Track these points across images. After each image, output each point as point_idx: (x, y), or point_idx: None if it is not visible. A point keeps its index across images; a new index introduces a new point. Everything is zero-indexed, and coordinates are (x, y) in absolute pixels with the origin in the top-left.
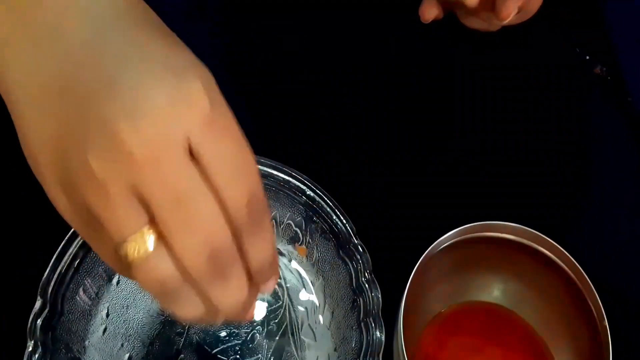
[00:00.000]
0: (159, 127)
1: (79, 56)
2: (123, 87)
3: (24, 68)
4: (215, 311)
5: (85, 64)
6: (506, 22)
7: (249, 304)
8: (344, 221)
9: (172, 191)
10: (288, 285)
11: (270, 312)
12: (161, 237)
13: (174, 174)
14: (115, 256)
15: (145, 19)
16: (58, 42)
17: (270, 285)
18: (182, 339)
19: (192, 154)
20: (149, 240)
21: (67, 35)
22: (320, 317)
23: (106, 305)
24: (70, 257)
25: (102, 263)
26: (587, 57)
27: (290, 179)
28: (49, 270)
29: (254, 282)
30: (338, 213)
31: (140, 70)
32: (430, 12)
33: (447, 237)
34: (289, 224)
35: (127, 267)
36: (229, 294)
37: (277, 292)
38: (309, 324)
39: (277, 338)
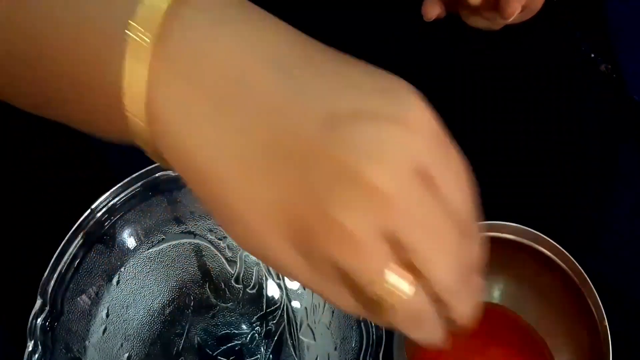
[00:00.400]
0: (396, 159)
1: (273, 105)
2: (347, 129)
3: (214, 139)
4: (459, 323)
5: (286, 113)
6: (510, 20)
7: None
8: None
9: (421, 220)
10: (287, 285)
11: (269, 313)
12: (412, 270)
13: (420, 204)
14: (359, 303)
15: (324, 50)
16: (246, 97)
17: (481, 283)
18: (182, 340)
19: (423, 173)
20: (405, 279)
21: (255, 86)
22: (320, 317)
23: (106, 305)
24: (70, 257)
25: (102, 263)
26: (592, 55)
27: None
28: (49, 270)
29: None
30: None
31: (355, 103)
32: (432, 10)
33: None
34: None
35: (378, 312)
36: (472, 297)
37: (276, 292)
38: (308, 324)
39: (277, 338)
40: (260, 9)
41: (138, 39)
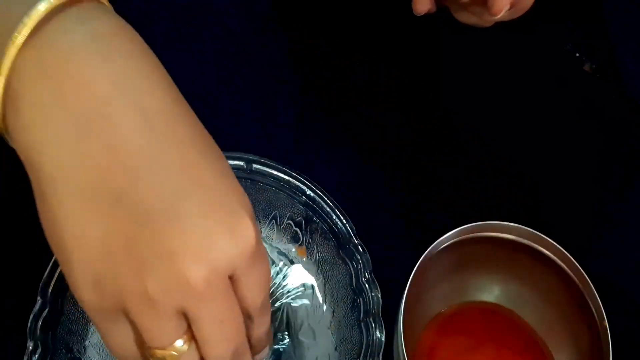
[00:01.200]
0: (215, 261)
1: (133, 164)
2: (185, 216)
3: (66, 155)
4: None
5: (142, 177)
6: (498, 17)
7: None
8: (344, 221)
9: (214, 313)
10: (287, 285)
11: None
12: (191, 337)
13: (219, 301)
14: (133, 351)
15: (198, 133)
16: (107, 138)
17: (265, 351)
18: None
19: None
20: (184, 347)
21: (118, 134)
22: (321, 318)
23: None
24: None
25: None
26: (577, 54)
27: (290, 179)
28: (49, 270)
29: (254, 353)
30: (338, 213)
31: (199, 202)
32: (423, 5)
33: (447, 237)
34: (289, 224)
35: None
36: None
37: (276, 293)
38: (308, 324)
39: (277, 339)
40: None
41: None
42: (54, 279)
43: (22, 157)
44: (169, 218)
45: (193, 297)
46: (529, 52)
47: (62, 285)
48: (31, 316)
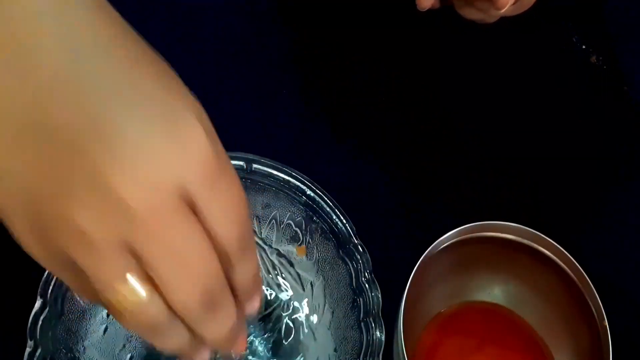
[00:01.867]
0: (156, 178)
1: (56, 88)
2: (113, 132)
3: None
4: (203, 343)
5: (65, 100)
6: (502, 12)
7: (238, 332)
8: (344, 221)
9: (167, 245)
10: (287, 285)
11: (270, 313)
12: (151, 283)
13: (170, 229)
14: (98, 299)
15: (135, 50)
16: (30, 66)
17: (256, 304)
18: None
19: (186, 198)
20: (139, 289)
21: (42, 61)
22: (320, 317)
23: None
24: None
25: None
26: (584, 47)
27: (290, 179)
28: (49, 270)
29: (240, 307)
30: (338, 213)
31: (131, 112)
32: (426, 0)
33: (447, 237)
34: (289, 224)
35: (113, 312)
36: (219, 324)
37: (276, 293)
38: (308, 324)
39: (277, 339)
40: None
41: None
42: (54, 279)
43: None
44: (95, 137)
45: (136, 226)
46: (533, 49)
47: (62, 285)
48: (31, 316)
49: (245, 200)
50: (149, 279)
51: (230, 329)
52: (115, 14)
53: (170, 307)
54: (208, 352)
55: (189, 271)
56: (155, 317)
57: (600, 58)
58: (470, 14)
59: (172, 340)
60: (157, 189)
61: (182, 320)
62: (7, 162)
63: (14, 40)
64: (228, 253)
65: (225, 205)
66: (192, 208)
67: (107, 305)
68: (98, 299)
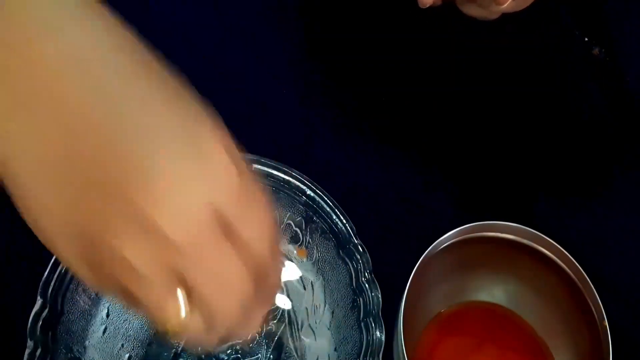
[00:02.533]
0: (192, 209)
1: (84, 127)
2: (148, 169)
3: (21, 140)
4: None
5: (96, 139)
6: (503, 8)
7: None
8: (344, 221)
9: (209, 269)
10: (287, 285)
11: (270, 312)
12: (194, 301)
13: (212, 254)
14: (147, 313)
15: (157, 78)
16: (56, 110)
17: (273, 299)
18: (183, 340)
19: (220, 221)
20: (185, 308)
21: (67, 102)
22: (321, 317)
23: (106, 305)
24: None
25: None
26: (586, 40)
27: (290, 179)
28: (49, 270)
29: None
30: (338, 213)
31: (162, 147)
32: None
33: (447, 237)
34: (289, 224)
35: (161, 326)
36: (249, 325)
37: (277, 293)
38: (308, 324)
39: (277, 338)
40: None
41: None
42: (54, 279)
43: None
44: (133, 176)
45: (178, 255)
46: (534, 44)
47: (62, 285)
48: (31, 316)
49: (271, 213)
50: (191, 295)
51: (257, 325)
52: (133, 40)
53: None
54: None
55: (229, 290)
56: (198, 329)
57: (603, 50)
58: (471, 10)
59: (207, 338)
60: (194, 219)
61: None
62: (49, 198)
63: (46, 90)
64: (260, 265)
65: (255, 222)
66: (226, 229)
67: (154, 320)
68: (147, 313)
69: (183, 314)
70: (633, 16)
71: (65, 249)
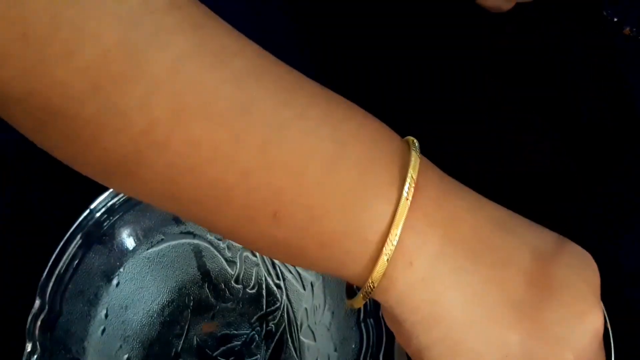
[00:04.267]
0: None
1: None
2: (561, 324)
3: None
4: None
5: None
6: None
7: None
8: None
9: None
10: (287, 285)
11: (269, 313)
12: None
13: None
14: None
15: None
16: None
17: None
18: (181, 341)
19: None
20: None
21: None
22: (321, 318)
23: (105, 306)
24: (69, 257)
25: (101, 263)
26: (615, 20)
27: None
28: (48, 271)
29: None
30: None
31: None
32: None
33: None
34: None
35: None
36: None
37: (276, 293)
38: (308, 325)
39: (276, 339)
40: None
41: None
42: (53, 279)
43: (415, 313)
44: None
45: None
46: (560, 29)
47: (61, 286)
48: (30, 317)
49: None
50: None
51: None
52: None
53: None
54: None
55: None
56: None
57: (634, 29)
58: (485, 1)
59: None
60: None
61: None
62: (501, 337)
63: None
64: None
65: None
66: None
67: None
68: None
69: None
70: None
71: None
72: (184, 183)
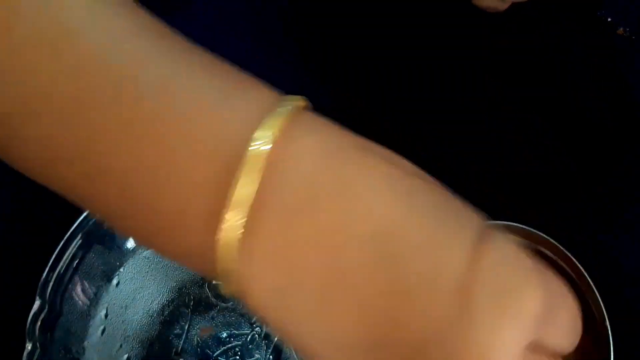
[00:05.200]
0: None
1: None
2: (454, 338)
3: (321, 322)
4: None
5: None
6: None
7: None
8: None
9: None
10: None
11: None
12: None
13: None
14: None
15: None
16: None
17: None
18: (181, 340)
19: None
20: None
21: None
22: None
23: (105, 305)
24: (69, 257)
25: (101, 263)
26: (609, 20)
27: None
28: (48, 271)
29: None
30: None
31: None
32: None
33: None
34: None
35: None
36: None
37: None
38: None
39: (277, 339)
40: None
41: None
42: (53, 279)
43: (263, 312)
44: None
45: None
46: (554, 31)
47: (61, 286)
48: (30, 317)
49: (571, 312)
50: None
51: None
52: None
53: None
54: None
55: None
56: None
57: (628, 29)
58: (482, 0)
59: None
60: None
61: None
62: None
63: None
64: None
65: (559, 331)
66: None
67: None
68: None
69: None
70: None
71: None
72: None
